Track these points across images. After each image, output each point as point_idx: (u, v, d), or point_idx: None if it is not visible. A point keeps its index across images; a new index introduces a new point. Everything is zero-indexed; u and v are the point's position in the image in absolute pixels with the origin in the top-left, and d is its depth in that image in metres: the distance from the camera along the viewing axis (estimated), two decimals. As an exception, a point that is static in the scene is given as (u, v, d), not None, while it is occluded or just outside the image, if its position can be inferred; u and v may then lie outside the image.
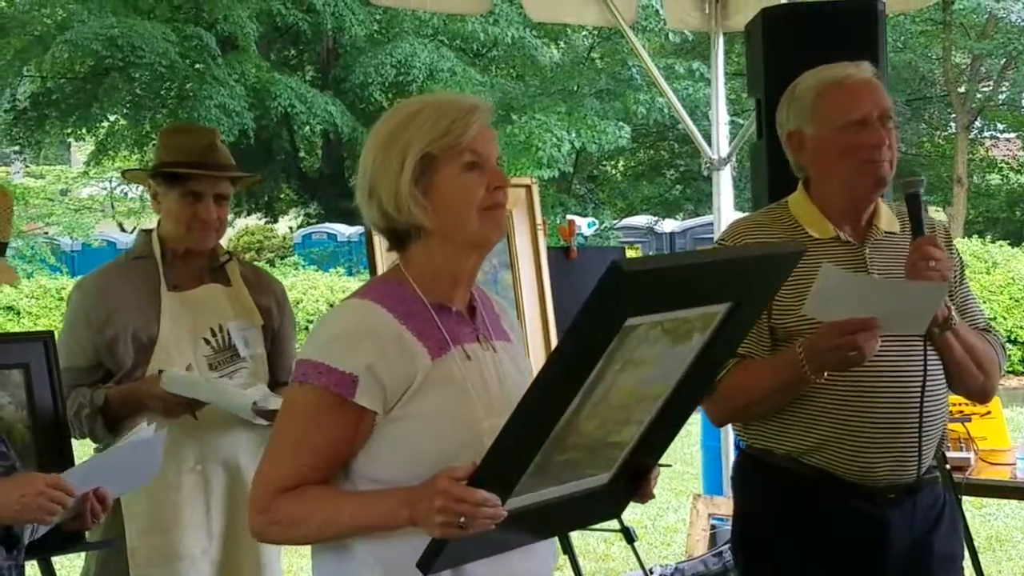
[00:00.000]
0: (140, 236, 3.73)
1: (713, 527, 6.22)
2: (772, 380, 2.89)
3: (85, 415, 3.48)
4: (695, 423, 8.87)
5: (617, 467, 2.23)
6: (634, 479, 2.31)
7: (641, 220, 26.95)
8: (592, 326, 1.89)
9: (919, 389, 2.90)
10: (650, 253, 22.91)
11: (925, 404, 2.90)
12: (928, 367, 2.90)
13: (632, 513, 8.49)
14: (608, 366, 1.99)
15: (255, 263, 4.05)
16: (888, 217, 3.05)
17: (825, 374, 2.81)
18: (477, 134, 2.22)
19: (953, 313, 2.90)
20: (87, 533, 3.11)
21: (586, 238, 21.93)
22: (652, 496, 2.34)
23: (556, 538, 2.47)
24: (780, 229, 3.01)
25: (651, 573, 5.77)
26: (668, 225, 26.93)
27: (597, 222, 22.79)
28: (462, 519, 1.98)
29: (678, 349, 2.11)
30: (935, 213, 27.56)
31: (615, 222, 25.26)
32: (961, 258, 3.14)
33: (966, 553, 3.24)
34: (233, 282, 3.68)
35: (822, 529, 2.95)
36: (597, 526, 6.87)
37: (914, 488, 2.97)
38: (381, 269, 4.59)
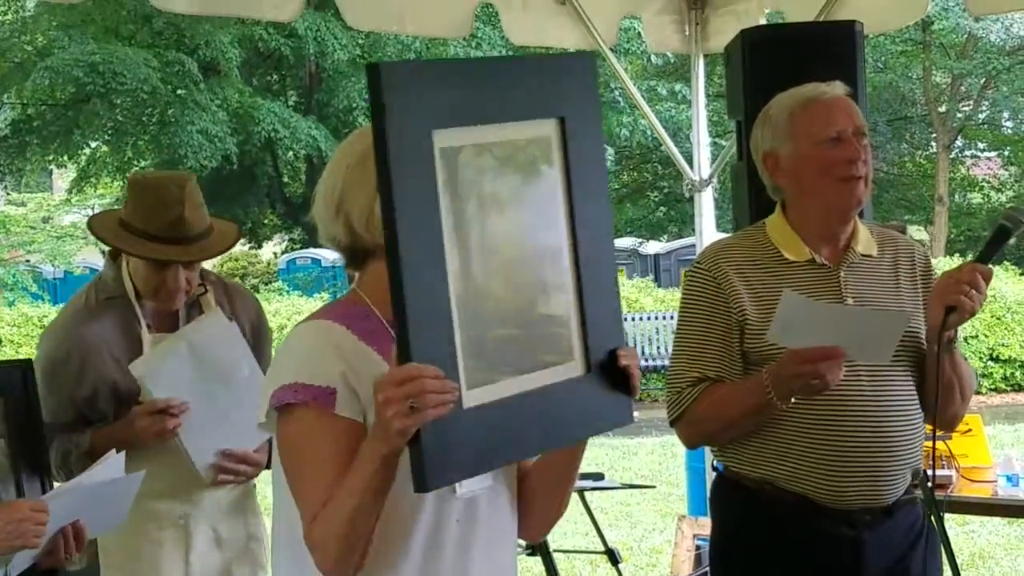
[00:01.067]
0: (109, 270, 3.47)
1: (698, 547, 6.20)
2: (740, 405, 2.90)
3: (74, 460, 3.34)
4: (680, 444, 8.89)
5: (582, 352, 2.13)
6: (615, 370, 2.18)
7: (625, 242, 26.98)
8: (389, 142, 1.83)
9: (892, 413, 2.91)
10: (635, 276, 22.91)
11: (903, 426, 2.92)
12: (903, 390, 2.92)
13: (618, 535, 8.49)
14: (459, 203, 1.93)
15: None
16: (867, 240, 3.04)
17: (792, 400, 2.81)
18: None
19: (957, 337, 2.91)
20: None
21: (570, 260, 21.95)
22: (637, 378, 2.18)
23: (516, 557, 2.39)
24: (756, 251, 3.02)
25: (636, 595, 5.76)
26: (652, 247, 26.95)
27: (581, 244, 22.79)
28: (411, 401, 1.86)
29: (536, 185, 2.07)
30: (916, 232, 27.68)
31: (599, 244, 25.26)
32: None
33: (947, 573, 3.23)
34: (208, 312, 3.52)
35: (799, 552, 2.95)
36: (581, 547, 6.86)
37: (891, 510, 2.97)
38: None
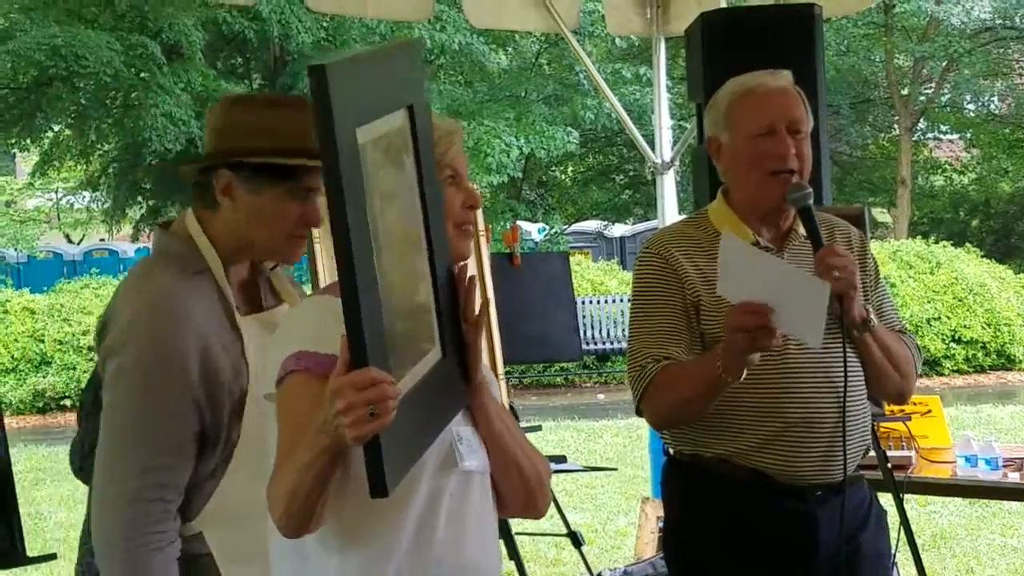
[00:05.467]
0: (175, 241, 2.65)
1: (661, 529, 6.23)
2: (694, 381, 2.89)
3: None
4: (643, 426, 8.92)
5: (439, 337, 2.18)
6: (462, 353, 2.25)
7: (591, 225, 27.04)
8: (335, 143, 1.83)
9: (841, 390, 2.93)
10: (600, 259, 22.96)
11: (848, 405, 2.93)
12: (848, 368, 2.93)
13: (582, 517, 8.52)
14: (372, 199, 1.94)
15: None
16: None
17: (744, 375, 2.80)
18: (457, 153, 2.31)
19: (872, 315, 2.94)
20: (27, 548, 3.05)
21: (536, 243, 21.99)
22: (478, 362, 2.26)
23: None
24: (701, 236, 3.04)
25: (599, 577, 5.78)
26: (618, 229, 27.02)
27: (547, 227, 22.85)
28: (370, 408, 1.88)
29: (402, 176, 2.11)
30: (880, 215, 27.84)
31: (565, 227, 25.33)
32: (876, 261, 3.17)
33: (893, 550, 3.28)
34: (286, 294, 2.80)
35: (753, 528, 2.98)
36: (545, 529, 6.90)
37: (840, 488, 2.99)
38: (324, 278, 4.58)
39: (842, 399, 2.93)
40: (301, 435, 2.07)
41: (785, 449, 2.93)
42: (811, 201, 2.93)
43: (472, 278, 2.25)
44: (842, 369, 2.93)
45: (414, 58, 2.21)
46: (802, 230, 3.01)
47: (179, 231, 2.65)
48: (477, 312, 2.25)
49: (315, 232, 4.49)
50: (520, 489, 2.37)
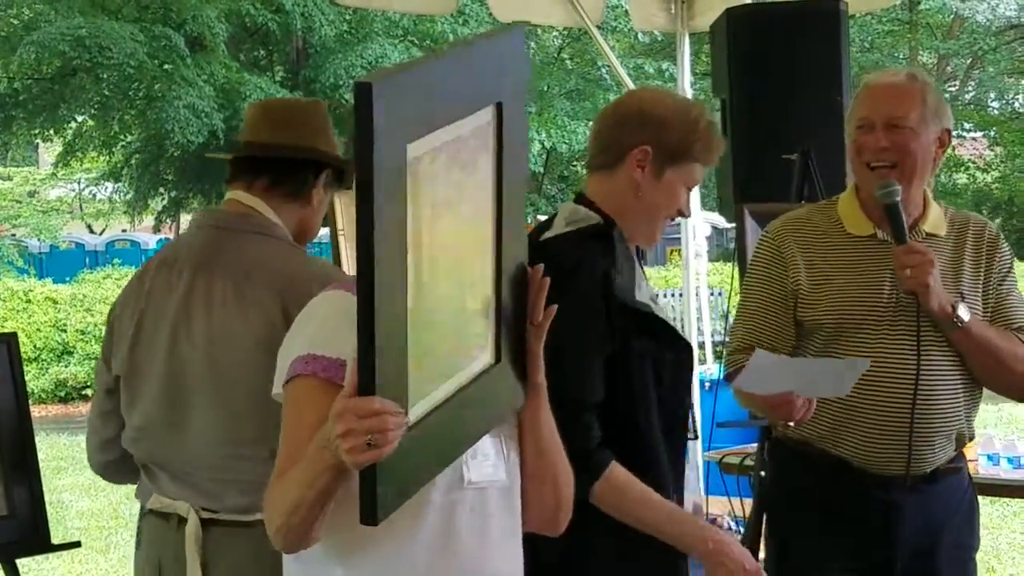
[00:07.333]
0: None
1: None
2: (759, 402, 2.94)
3: None
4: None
5: (493, 341, 2.06)
6: (520, 356, 2.14)
7: (611, 220, 27.02)
8: (375, 167, 1.69)
9: (931, 382, 2.95)
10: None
11: (928, 398, 2.94)
12: (931, 363, 2.95)
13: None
14: (416, 211, 1.82)
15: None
16: (936, 220, 3.07)
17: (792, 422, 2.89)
18: None
19: (960, 311, 2.93)
20: (51, 536, 3.07)
21: (556, 238, 21.98)
22: (539, 366, 2.15)
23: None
24: (822, 223, 3.10)
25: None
26: (638, 225, 26.97)
27: (567, 222, 22.83)
28: (369, 437, 1.80)
29: (474, 176, 1.97)
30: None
31: (585, 222, 25.29)
32: (1011, 258, 3.16)
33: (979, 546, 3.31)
34: None
35: (834, 508, 3.03)
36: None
37: (933, 477, 3.02)
38: (347, 269, 4.59)
39: (908, 393, 2.93)
40: (302, 444, 2.00)
41: (867, 438, 2.97)
42: (897, 199, 2.94)
43: (545, 279, 2.12)
44: (925, 361, 2.94)
45: (514, 48, 2.07)
46: (927, 227, 3.04)
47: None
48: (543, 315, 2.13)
49: (339, 223, 4.52)
50: (550, 505, 2.28)
